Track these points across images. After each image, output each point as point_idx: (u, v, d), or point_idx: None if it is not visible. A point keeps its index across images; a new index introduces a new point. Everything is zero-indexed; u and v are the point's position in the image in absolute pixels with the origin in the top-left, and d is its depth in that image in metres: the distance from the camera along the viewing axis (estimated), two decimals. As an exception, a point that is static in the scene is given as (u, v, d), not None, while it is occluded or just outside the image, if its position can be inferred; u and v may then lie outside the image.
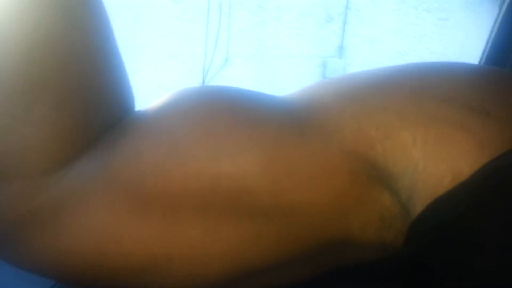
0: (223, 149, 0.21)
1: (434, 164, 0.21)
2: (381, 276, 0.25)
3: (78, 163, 0.21)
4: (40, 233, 0.21)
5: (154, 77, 2.55)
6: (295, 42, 2.92)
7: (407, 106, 0.21)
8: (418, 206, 0.21)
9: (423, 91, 0.22)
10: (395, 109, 0.21)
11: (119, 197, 0.21)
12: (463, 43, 2.92)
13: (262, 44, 2.79)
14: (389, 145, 0.21)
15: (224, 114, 0.22)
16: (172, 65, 2.61)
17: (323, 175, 0.21)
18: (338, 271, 0.24)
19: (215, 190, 0.21)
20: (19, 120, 0.20)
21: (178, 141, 0.21)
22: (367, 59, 3.05)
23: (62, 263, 0.22)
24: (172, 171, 0.21)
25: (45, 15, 0.21)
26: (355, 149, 0.21)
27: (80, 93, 0.21)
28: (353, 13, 3.00)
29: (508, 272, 0.20)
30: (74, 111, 0.21)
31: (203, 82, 2.64)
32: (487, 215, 0.20)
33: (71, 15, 0.22)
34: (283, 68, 2.92)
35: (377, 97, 0.22)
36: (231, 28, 2.68)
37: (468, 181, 0.20)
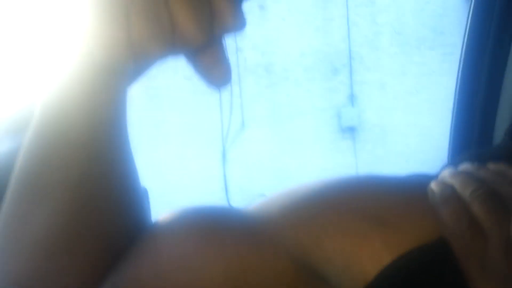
0: (197, 264, 0.26)
1: (350, 267, 0.26)
2: None
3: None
4: None
5: (175, 150, 2.64)
6: (306, 98, 3.00)
7: (329, 220, 0.27)
8: None
9: (340, 206, 0.28)
10: (321, 222, 0.27)
11: None
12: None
13: (274, 105, 2.87)
14: (318, 251, 0.27)
15: (196, 238, 0.28)
16: (191, 136, 2.71)
17: (276, 276, 0.27)
18: None
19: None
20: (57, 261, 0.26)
21: (161, 262, 0.27)
22: (379, 103, 3.09)
23: None
24: (168, 282, 0.26)
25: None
26: (296, 255, 0.27)
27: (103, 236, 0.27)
28: (358, 62, 3.09)
29: None
30: (99, 249, 0.27)
31: (223, 148, 2.71)
32: None
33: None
34: (299, 124, 2.98)
35: (308, 212, 0.28)
36: (243, 94, 2.79)
37: (374, 282, 0.25)
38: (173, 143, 2.64)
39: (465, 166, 0.30)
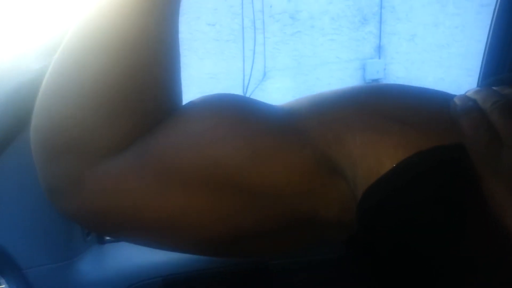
0: (222, 139, 0.29)
1: (366, 159, 0.29)
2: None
3: (127, 150, 0.30)
4: (92, 192, 0.29)
5: (196, 97, 2.64)
6: (332, 48, 2.91)
7: (352, 118, 0.30)
8: (359, 194, 0.29)
9: (364, 107, 0.30)
10: (345, 121, 0.30)
11: (150, 173, 0.29)
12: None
13: (298, 55, 2.80)
14: (340, 146, 0.29)
15: (227, 117, 0.30)
16: (213, 84, 2.69)
17: (297, 163, 0.29)
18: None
19: (216, 168, 0.28)
20: (94, 113, 0.29)
21: (193, 135, 0.30)
22: (407, 56, 2.97)
23: (104, 217, 0.30)
24: (186, 155, 0.29)
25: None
26: (319, 148, 0.29)
27: (144, 103, 0.30)
28: (388, 11, 2.94)
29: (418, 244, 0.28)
30: (134, 114, 0.30)
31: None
32: (404, 199, 0.27)
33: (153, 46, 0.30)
34: (322, 75, 2.91)
35: (334, 111, 0.30)
36: (267, 42, 2.72)
37: (389, 173, 0.28)
38: (194, 90, 2.64)
39: (489, 86, 0.31)
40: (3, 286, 0.58)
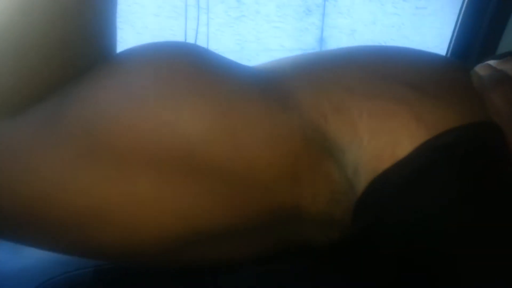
0: (178, 103, 0.19)
1: (377, 137, 0.21)
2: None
3: (35, 109, 0.19)
4: None
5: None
6: (275, 36, 2.91)
7: (357, 82, 0.22)
8: (363, 182, 0.21)
9: (372, 69, 0.22)
10: (346, 85, 0.22)
11: (65, 141, 0.19)
12: (441, 32, 2.96)
13: (242, 39, 2.76)
14: (339, 117, 0.21)
15: (185, 69, 0.21)
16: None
17: (279, 135, 0.21)
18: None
19: (168, 144, 0.19)
20: None
21: (135, 92, 0.20)
22: (347, 50, 3.05)
23: (7, 208, 0.20)
24: (122, 123, 0.19)
25: None
26: (309, 118, 0.21)
27: (56, 33, 0.20)
28: (332, 5, 3.00)
29: (445, 243, 0.20)
30: (48, 55, 0.19)
31: None
32: (424, 192, 0.20)
33: None
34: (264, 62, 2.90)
35: (332, 72, 0.22)
36: (210, 23, 2.65)
37: (407, 159, 0.20)
38: None
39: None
40: None
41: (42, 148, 0.20)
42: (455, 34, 0.76)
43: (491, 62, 0.25)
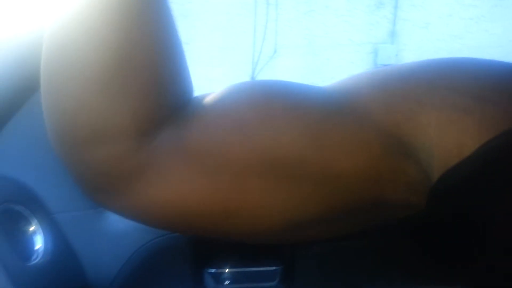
0: (278, 128, 0.26)
1: (444, 140, 0.26)
2: (406, 232, 0.32)
3: (158, 134, 0.27)
4: (133, 188, 0.27)
5: (204, 71, 2.60)
6: (345, 30, 2.86)
7: (425, 95, 0.27)
8: (435, 174, 0.26)
9: (437, 82, 0.27)
10: (416, 98, 0.27)
11: (192, 160, 0.26)
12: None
13: (310, 34, 2.75)
14: (411, 125, 0.26)
15: (278, 101, 0.27)
16: (221, 58, 2.65)
17: (361, 148, 0.27)
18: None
19: (274, 158, 0.26)
20: (114, 100, 0.26)
21: (241, 122, 0.27)
22: (420, 44, 2.93)
23: (153, 212, 0.28)
24: (236, 145, 0.26)
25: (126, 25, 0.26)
26: (384, 127, 0.27)
27: (152, 80, 0.27)
28: (405, -3, 2.88)
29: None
30: (147, 93, 0.27)
31: (252, 74, 2.66)
32: (488, 182, 0.25)
33: (143, 21, 0.27)
34: (333, 57, 2.87)
35: (402, 88, 0.27)
36: (279, 19, 2.67)
37: (472, 155, 0.25)
38: (203, 63, 2.60)
39: None
40: (34, 227, 0.58)
41: (175, 165, 0.26)
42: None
43: None
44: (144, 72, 0.27)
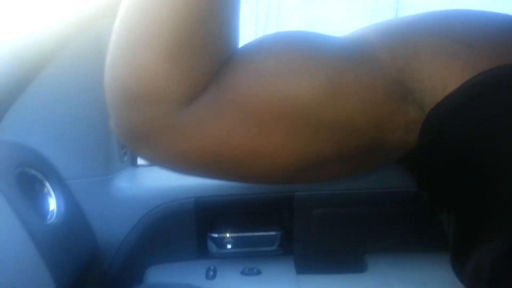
0: (297, 78, 0.30)
1: (433, 81, 0.30)
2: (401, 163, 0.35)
3: (203, 93, 0.32)
4: (175, 137, 0.31)
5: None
6: (347, 17, 2.86)
7: (422, 42, 0.31)
8: (426, 111, 0.31)
9: (434, 31, 0.31)
10: (414, 45, 0.31)
11: (224, 110, 0.31)
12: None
13: (313, 21, 2.76)
14: (410, 70, 0.31)
15: (298, 52, 0.31)
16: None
17: (369, 94, 0.31)
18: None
19: (293, 105, 0.30)
20: (175, 67, 0.30)
21: (265, 74, 0.30)
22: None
23: (188, 159, 0.32)
24: (260, 96, 0.30)
25: None
26: (390, 74, 0.31)
27: (209, 52, 0.31)
28: (408, -17, 2.87)
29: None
30: (203, 64, 0.31)
31: None
32: (467, 116, 0.29)
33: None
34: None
35: (404, 37, 0.32)
36: (281, 6, 2.67)
37: (454, 92, 0.29)
38: None
39: None
40: (48, 190, 0.61)
41: (215, 120, 0.31)
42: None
43: None
44: (204, 47, 0.30)
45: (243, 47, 0.34)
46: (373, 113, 0.30)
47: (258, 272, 0.72)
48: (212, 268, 0.73)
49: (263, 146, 0.31)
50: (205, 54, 0.31)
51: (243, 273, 0.72)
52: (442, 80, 0.30)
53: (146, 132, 0.32)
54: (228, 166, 0.32)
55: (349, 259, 0.79)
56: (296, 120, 0.30)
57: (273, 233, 0.76)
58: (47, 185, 0.63)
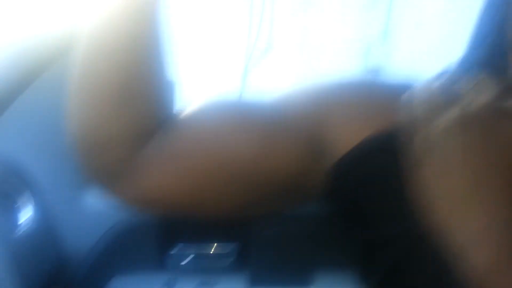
0: (232, 141, 0.38)
1: (340, 139, 0.38)
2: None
3: (151, 142, 0.38)
4: (131, 181, 0.39)
5: (197, 65, 2.65)
6: (338, 28, 2.90)
7: (334, 108, 0.39)
8: (335, 160, 0.41)
9: (343, 99, 0.40)
10: (327, 110, 0.39)
11: (170, 164, 0.38)
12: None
13: (304, 30, 2.80)
14: (324, 130, 0.39)
15: (233, 119, 0.39)
16: (215, 51, 2.69)
17: (289, 153, 0.39)
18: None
19: (225, 165, 0.38)
20: (120, 116, 0.37)
21: (204, 136, 0.39)
22: (413, 45, 2.97)
23: (143, 198, 0.40)
24: (199, 154, 0.38)
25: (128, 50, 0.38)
26: (308, 132, 0.39)
27: (147, 102, 0.39)
28: (398, -4, 2.91)
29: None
30: (143, 112, 0.38)
31: (245, 69, 2.70)
32: (363, 167, 0.38)
33: (145, 57, 0.39)
34: (327, 54, 2.92)
35: (320, 102, 0.40)
36: (275, 14, 2.70)
37: (354, 148, 0.37)
38: (195, 50, 2.65)
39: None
40: (20, 202, 0.66)
41: (160, 164, 0.39)
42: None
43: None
44: (141, 98, 0.37)
45: (188, 108, 0.42)
46: (295, 165, 0.39)
47: (214, 284, 0.78)
48: (171, 279, 0.79)
49: (202, 195, 0.39)
50: (145, 106, 0.38)
51: (199, 284, 0.78)
52: (346, 138, 0.38)
53: (104, 176, 0.39)
54: (174, 208, 0.41)
55: (300, 274, 0.84)
56: (228, 176, 0.39)
57: (229, 247, 0.82)
58: (20, 196, 0.69)
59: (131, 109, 0.37)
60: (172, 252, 0.81)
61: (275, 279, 0.84)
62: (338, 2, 2.76)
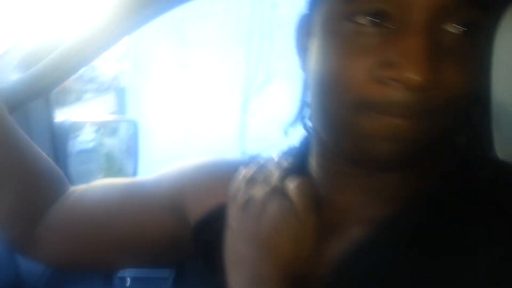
0: (107, 216, 0.52)
1: (196, 207, 0.48)
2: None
3: (44, 218, 0.52)
4: (37, 248, 0.53)
5: (197, 94, 2.73)
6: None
7: (192, 184, 0.49)
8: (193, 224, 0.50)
9: (199, 177, 0.50)
10: (191, 187, 0.49)
11: (62, 234, 0.53)
12: None
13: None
14: (185, 200, 0.49)
15: (112, 200, 0.53)
16: (215, 83, 2.75)
17: (163, 221, 0.49)
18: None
19: (103, 233, 0.52)
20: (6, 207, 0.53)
21: (87, 212, 0.53)
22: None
23: (49, 261, 0.56)
24: (85, 225, 0.53)
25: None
26: (176, 207, 0.49)
27: (23, 187, 0.53)
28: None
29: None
30: (30, 198, 0.53)
31: (245, 100, 2.72)
32: (212, 228, 0.46)
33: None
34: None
35: (181, 179, 0.50)
36: (273, 48, 2.72)
37: (206, 214, 0.47)
38: (197, 86, 2.72)
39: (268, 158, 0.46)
40: None
41: (54, 235, 0.53)
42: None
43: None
44: (24, 187, 0.52)
45: (79, 188, 0.55)
46: (163, 229, 0.49)
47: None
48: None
49: (92, 256, 0.52)
50: (28, 193, 0.52)
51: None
52: (201, 206, 0.47)
53: (13, 243, 0.54)
54: (73, 265, 0.55)
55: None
56: (109, 240, 0.50)
57: (167, 273, 0.89)
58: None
59: (16, 195, 0.51)
60: (116, 276, 0.88)
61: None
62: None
